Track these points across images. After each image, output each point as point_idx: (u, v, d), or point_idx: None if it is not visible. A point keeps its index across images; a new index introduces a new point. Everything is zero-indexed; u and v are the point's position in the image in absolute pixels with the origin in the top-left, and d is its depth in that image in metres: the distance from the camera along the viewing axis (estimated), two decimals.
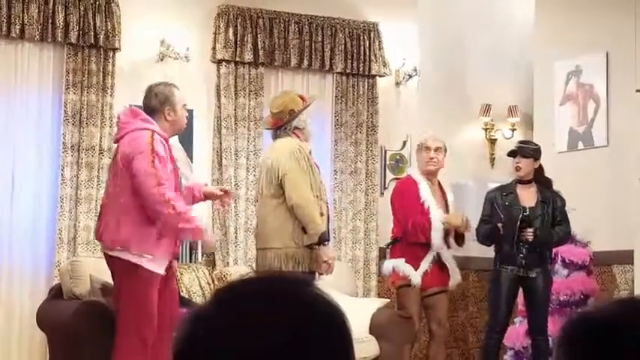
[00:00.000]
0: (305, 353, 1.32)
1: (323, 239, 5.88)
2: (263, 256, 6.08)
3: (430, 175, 7.07)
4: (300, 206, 5.88)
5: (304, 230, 5.91)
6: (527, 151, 7.09)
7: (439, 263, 6.99)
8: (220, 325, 1.33)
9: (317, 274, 5.97)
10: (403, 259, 6.92)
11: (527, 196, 7.07)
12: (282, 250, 5.96)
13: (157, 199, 5.41)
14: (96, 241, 7.43)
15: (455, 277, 7.10)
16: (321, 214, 6.01)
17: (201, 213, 7.91)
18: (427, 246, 6.92)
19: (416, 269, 6.91)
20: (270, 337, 1.30)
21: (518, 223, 6.94)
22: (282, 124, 6.21)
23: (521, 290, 7.11)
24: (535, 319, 7.09)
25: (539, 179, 7.15)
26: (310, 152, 6.17)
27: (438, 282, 7.01)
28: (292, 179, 5.92)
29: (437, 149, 7.04)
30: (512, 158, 7.17)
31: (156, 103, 5.72)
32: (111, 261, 5.60)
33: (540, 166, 7.19)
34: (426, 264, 6.92)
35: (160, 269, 5.54)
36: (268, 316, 1.32)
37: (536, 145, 7.25)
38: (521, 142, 7.48)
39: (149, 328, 5.51)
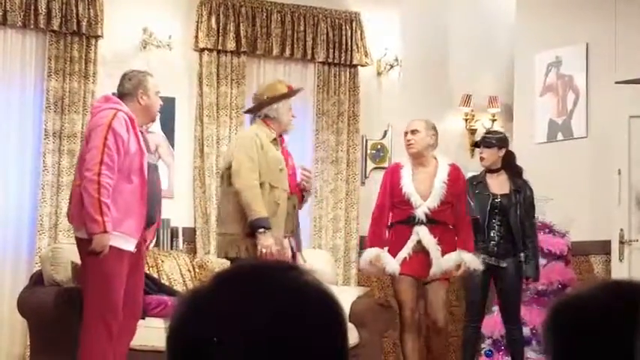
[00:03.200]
0: (298, 339, 1.35)
1: (255, 226, 5.84)
2: (219, 241, 6.14)
3: (417, 159, 6.74)
4: (239, 192, 5.91)
5: None
6: (490, 141, 7.13)
7: (422, 250, 6.61)
8: (217, 305, 1.37)
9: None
10: (386, 248, 6.71)
11: (498, 184, 7.09)
12: (232, 237, 5.98)
13: (91, 176, 5.34)
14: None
15: (438, 265, 6.58)
16: (277, 203, 5.96)
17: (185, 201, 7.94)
18: (410, 228, 6.64)
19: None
20: (264, 322, 1.34)
21: (488, 209, 6.99)
22: (253, 109, 6.25)
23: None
24: (508, 308, 7.09)
25: (510, 167, 7.17)
26: (277, 140, 6.12)
27: (418, 270, 6.62)
28: (236, 166, 5.94)
29: (413, 131, 6.73)
30: (477, 149, 7.25)
31: (129, 86, 5.72)
32: (79, 243, 5.56)
33: (510, 154, 7.20)
34: (405, 251, 6.62)
35: (128, 246, 5.49)
36: (263, 301, 1.35)
37: (501, 134, 7.30)
38: (486, 132, 7.53)
39: (113, 313, 5.47)
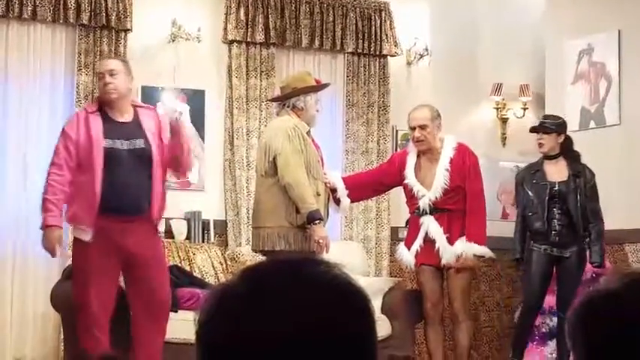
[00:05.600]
0: (326, 334, 1.34)
1: (311, 218, 5.85)
2: (257, 235, 6.09)
3: (425, 151, 6.60)
4: (291, 186, 5.89)
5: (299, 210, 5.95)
6: (549, 126, 6.94)
7: (431, 241, 6.54)
8: (245, 302, 1.35)
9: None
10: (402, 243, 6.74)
11: (556, 171, 6.90)
12: (274, 230, 5.97)
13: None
14: None
15: (447, 253, 6.48)
16: (318, 194, 6.01)
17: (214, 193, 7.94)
18: (419, 219, 6.56)
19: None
20: (293, 318, 1.33)
21: (547, 198, 6.84)
22: (280, 99, 6.24)
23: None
24: (564, 297, 6.83)
25: (568, 153, 6.99)
26: (309, 132, 6.13)
27: (436, 259, 6.54)
28: (284, 158, 5.92)
29: (422, 127, 6.52)
30: (535, 134, 6.98)
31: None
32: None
33: (568, 139, 7.02)
34: (417, 242, 6.57)
35: (84, 236, 5.63)
36: (290, 296, 1.35)
37: (560, 118, 7.06)
38: (544, 116, 7.27)
39: (80, 295, 5.68)
